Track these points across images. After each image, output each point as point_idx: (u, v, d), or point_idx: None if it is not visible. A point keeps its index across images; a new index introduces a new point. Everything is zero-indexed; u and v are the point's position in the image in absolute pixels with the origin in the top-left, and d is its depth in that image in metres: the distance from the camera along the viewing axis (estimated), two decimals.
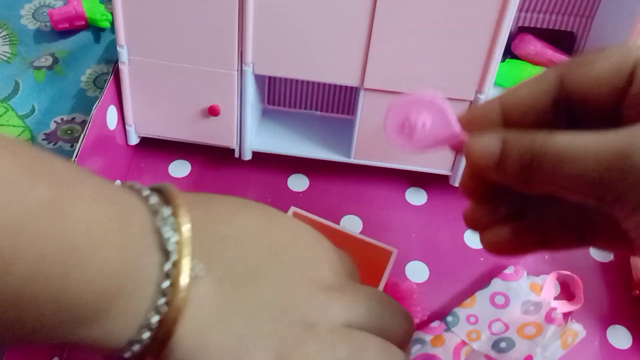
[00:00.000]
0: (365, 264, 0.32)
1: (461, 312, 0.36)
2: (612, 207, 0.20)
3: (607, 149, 0.19)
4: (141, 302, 0.22)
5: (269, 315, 0.24)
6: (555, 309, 0.35)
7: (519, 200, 0.25)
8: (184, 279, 0.22)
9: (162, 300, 0.22)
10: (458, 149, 0.25)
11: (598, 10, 0.41)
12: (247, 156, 0.42)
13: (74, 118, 0.45)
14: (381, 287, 0.34)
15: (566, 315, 0.37)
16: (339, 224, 0.41)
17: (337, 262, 0.27)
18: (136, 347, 0.22)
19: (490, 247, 0.25)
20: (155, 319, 0.22)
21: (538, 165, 0.21)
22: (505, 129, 0.24)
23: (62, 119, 0.45)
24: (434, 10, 0.34)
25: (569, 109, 0.23)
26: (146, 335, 0.22)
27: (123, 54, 0.37)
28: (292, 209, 0.36)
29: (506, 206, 0.25)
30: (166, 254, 0.22)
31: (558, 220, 0.25)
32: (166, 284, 0.22)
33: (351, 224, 0.42)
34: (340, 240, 0.34)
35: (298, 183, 0.44)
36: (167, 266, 0.22)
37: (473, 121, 0.25)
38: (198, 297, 0.23)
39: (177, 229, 0.23)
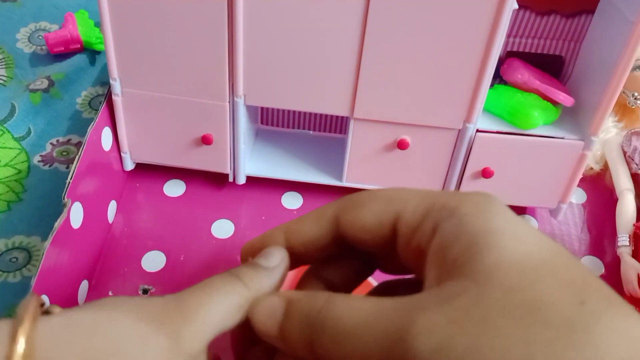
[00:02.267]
0: None
1: None
2: None
3: (385, 329, 0.18)
4: None
5: None
6: None
7: None
8: None
9: None
10: None
11: (586, 34, 0.41)
12: (241, 180, 0.43)
13: (69, 139, 0.46)
14: None
15: None
16: None
17: None
18: None
19: None
20: None
21: (318, 340, 0.19)
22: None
23: (57, 140, 0.46)
24: (422, 41, 0.35)
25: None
26: None
27: (116, 86, 0.38)
28: None
29: None
30: None
31: None
32: None
33: None
34: None
35: (292, 201, 0.45)
36: None
37: (256, 246, 0.24)
38: None
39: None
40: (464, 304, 0.17)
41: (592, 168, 0.48)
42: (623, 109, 0.50)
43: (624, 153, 0.46)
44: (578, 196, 0.48)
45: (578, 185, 0.48)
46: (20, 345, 0.18)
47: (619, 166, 0.46)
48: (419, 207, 0.21)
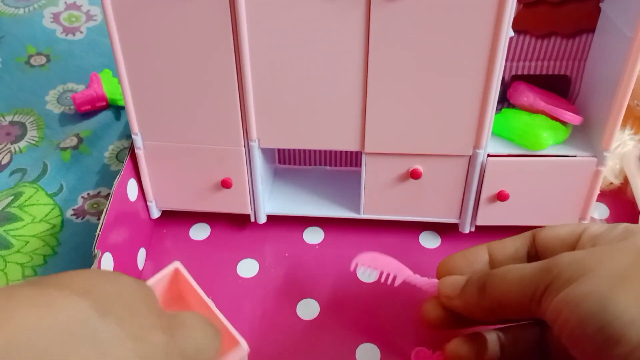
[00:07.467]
0: None
1: None
2: (539, 300, 0.27)
3: (535, 264, 0.28)
4: None
5: None
6: None
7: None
8: None
9: None
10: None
11: (589, 52, 0.42)
12: (262, 220, 0.44)
13: (99, 192, 0.49)
14: None
15: None
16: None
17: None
18: None
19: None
20: None
21: (490, 282, 0.29)
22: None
23: (88, 194, 0.48)
24: (423, 72, 0.36)
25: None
26: None
27: (138, 140, 0.40)
28: (176, 263, 0.35)
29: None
30: None
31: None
32: None
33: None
34: (202, 312, 0.33)
35: (313, 236, 0.46)
36: None
37: (457, 264, 0.34)
38: None
39: None
40: (597, 249, 0.28)
41: (612, 183, 0.48)
42: (639, 122, 0.50)
43: None
44: (601, 212, 0.47)
45: (600, 201, 0.48)
46: None
47: (639, 179, 0.46)
48: (603, 225, 0.30)
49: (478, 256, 0.33)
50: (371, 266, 0.36)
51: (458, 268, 0.34)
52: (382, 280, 0.36)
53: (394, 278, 0.36)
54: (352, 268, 0.36)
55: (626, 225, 0.29)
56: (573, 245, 0.30)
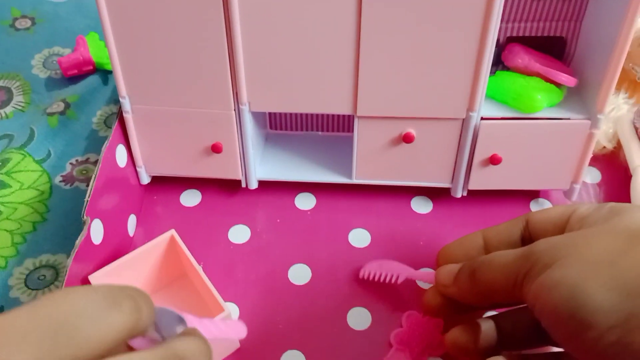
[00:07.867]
0: (201, 303, 0.37)
1: None
2: (521, 286, 0.27)
3: (518, 250, 0.29)
4: None
5: None
6: None
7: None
8: None
9: None
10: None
11: (586, 13, 0.41)
12: (253, 185, 0.44)
13: (88, 158, 0.48)
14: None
15: None
16: (347, 238, 0.43)
17: None
18: None
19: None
20: None
21: (478, 270, 0.30)
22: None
23: (76, 160, 0.48)
24: (417, 34, 0.35)
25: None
26: None
27: (125, 104, 0.39)
28: (172, 231, 0.37)
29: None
30: None
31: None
32: None
33: (359, 237, 0.43)
34: (191, 277, 0.38)
35: (305, 202, 0.46)
36: None
37: (453, 252, 0.35)
38: None
39: None
40: (575, 233, 0.28)
41: (605, 147, 0.48)
42: (634, 85, 0.50)
43: (636, 129, 0.46)
44: (593, 176, 0.47)
45: (592, 165, 0.47)
46: None
47: (632, 143, 0.46)
48: (592, 205, 0.30)
49: (473, 243, 0.34)
50: (377, 272, 0.39)
51: (455, 256, 0.35)
52: (387, 281, 0.39)
53: (397, 277, 0.38)
54: (360, 276, 0.39)
55: (612, 205, 0.29)
56: (563, 227, 0.30)
